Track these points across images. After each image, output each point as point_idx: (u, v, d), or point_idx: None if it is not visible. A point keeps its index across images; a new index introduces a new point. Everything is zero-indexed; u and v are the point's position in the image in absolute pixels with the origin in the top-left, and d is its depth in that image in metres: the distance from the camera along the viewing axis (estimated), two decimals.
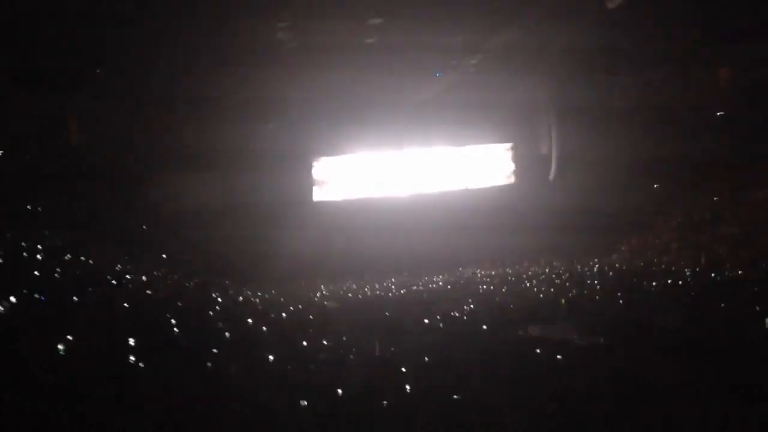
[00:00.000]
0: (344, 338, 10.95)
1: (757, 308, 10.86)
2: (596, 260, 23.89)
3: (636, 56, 23.40)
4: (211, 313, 10.46)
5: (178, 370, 6.52)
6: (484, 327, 12.48)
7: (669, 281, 16.81)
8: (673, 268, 19.51)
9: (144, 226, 19.83)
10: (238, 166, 25.77)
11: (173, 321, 8.22)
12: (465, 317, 13.80)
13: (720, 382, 6.65)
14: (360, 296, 20.15)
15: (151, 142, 23.24)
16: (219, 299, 12.78)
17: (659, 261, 21.84)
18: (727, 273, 16.74)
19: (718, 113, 25.18)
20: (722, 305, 12.06)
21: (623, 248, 25.98)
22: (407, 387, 7.39)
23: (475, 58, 25.04)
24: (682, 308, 12.86)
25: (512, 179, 31.30)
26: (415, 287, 21.34)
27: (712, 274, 16.97)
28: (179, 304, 10.38)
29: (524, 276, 21.45)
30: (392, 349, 10.19)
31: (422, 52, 22.78)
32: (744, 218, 21.88)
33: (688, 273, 18.06)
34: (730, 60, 24.59)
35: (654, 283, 16.73)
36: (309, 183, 29.22)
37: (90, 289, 9.00)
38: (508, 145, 31.35)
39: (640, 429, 5.70)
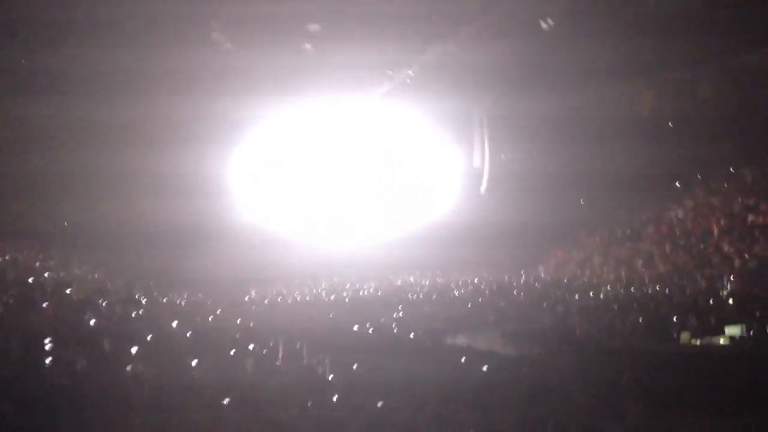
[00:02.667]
0: (271, 344, 10.78)
1: (674, 320, 11.34)
2: (523, 272, 24.45)
3: (567, 73, 24.10)
4: (133, 314, 10.12)
5: (97, 370, 6.30)
6: (412, 335, 12.59)
7: (591, 294, 17.37)
8: (595, 281, 20.17)
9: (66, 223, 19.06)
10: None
11: (93, 321, 7.92)
12: (394, 325, 13.86)
13: (636, 391, 6.91)
14: (289, 301, 19.92)
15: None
16: (142, 300, 12.39)
17: (582, 274, 22.55)
18: (645, 288, 17.42)
19: (643, 130, 26.14)
20: (640, 319, 12.55)
21: (549, 261, 26.69)
22: (333, 396, 7.32)
23: (410, 69, 25.27)
24: (603, 320, 13.33)
25: (445, 191, 31.63)
26: (344, 293, 21.28)
27: (631, 289, 17.62)
28: (101, 302, 10.01)
29: (453, 286, 21.73)
30: (320, 355, 10.12)
31: (359, 64, 22.91)
32: (663, 235, 22.82)
33: (609, 287, 18.71)
34: (655, 81, 25.65)
35: (577, 296, 17.25)
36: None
37: (7, 287, 8.59)
38: (442, 156, 31.70)
39: None
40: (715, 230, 19.97)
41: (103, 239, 20.56)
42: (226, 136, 26.89)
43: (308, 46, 22.47)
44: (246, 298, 19.96)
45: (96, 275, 15.14)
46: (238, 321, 13.52)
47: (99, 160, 24.07)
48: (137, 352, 7.20)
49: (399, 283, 23.59)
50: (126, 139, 24.03)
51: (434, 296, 19.39)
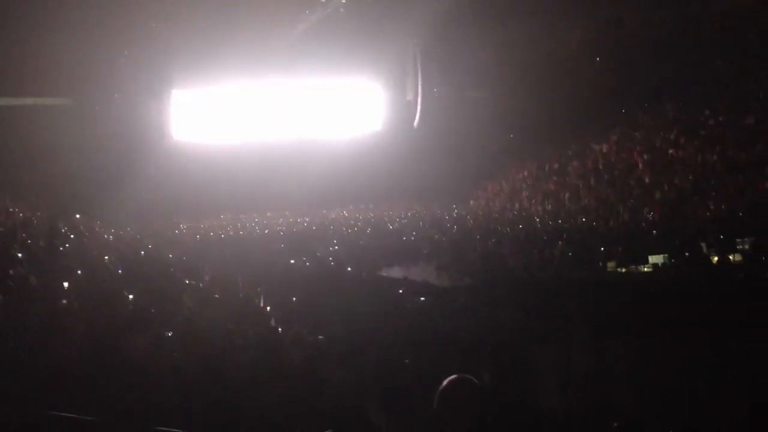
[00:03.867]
0: (207, 278, 10.66)
1: (602, 249, 11.80)
2: (455, 206, 24.86)
3: (499, 9, 24.00)
4: (61, 248, 9.74)
5: (24, 306, 6.08)
6: (349, 268, 12.69)
7: (520, 226, 17.88)
8: (524, 214, 20.75)
9: None
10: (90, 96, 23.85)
11: (19, 255, 7.59)
12: (330, 258, 13.92)
13: (566, 317, 7.22)
14: (222, 235, 19.67)
15: None
16: (70, 235, 11.91)
17: (512, 207, 23.13)
18: (572, 220, 18.04)
19: (570, 65, 26.53)
20: (568, 251, 13.04)
21: (480, 194, 27.21)
22: (272, 329, 7.34)
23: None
24: (533, 252, 13.77)
25: (378, 125, 31.46)
26: (279, 228, 21.16)
27: (559, 221, 18.23)
28: (24, 236, 9.58)
29: (387, 219, 21.92)
30: (257, 289, 10.09)
31: None
32: (588, 169, 23.53)
33: (537, 219, 19.30)
34: (583, 17, 25.90)
35: (507, 228, 17.74)
36: (167, 118, 27.53)
37: None
38: (375, 89, 31.37)
39: (496, 366, 6.03)
40: (638, 163, 20.70)
41: (23, 171, 19.59)
42: (155, 70, 25.80)
43: None
44: (176, 233, 19.57)
45: (17, 209, 14.41)
46: (171, 255, 13.28)
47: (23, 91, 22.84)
48: (69, 287, 6.97)
49: (333, 217, 23.60)
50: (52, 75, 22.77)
51: (369, 230, 19.53)
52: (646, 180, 19.03)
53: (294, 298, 8.92)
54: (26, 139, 21.57)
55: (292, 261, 12.73)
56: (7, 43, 20.50)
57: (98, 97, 24.97)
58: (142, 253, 12.77)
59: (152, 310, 6.53)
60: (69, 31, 21.30)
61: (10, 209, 13.65)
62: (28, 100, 23.86)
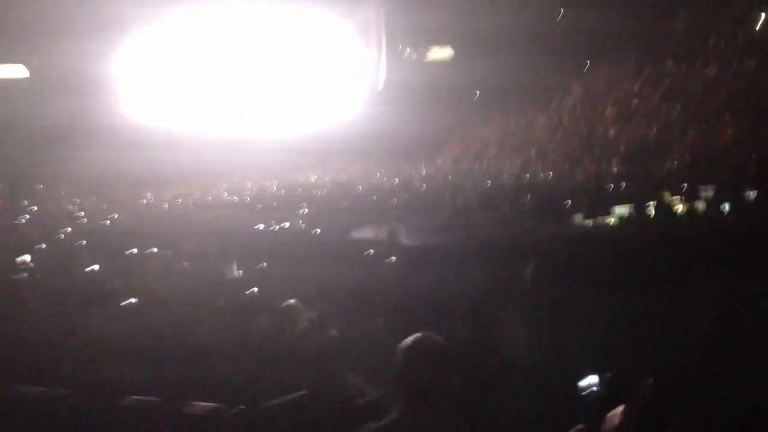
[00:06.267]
0: (174, 245, 10.51)
1: (568, 203, 11.90)
2: (423, 165, 24.84)
3: None
4: (23, 219, 9.51)
5: None
6: (317, 231, 12.60)
7: (488, 183, 17.96)
8: (491, 170, 20.83)
9: None
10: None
11: None
12: (300, 221, 13.82)
13: (534, 269, 7.28)
14: (190, 203, 19.37)
15: None
16: (32, 207, 11.63)
17: (480, 165, 23.20)
18: (537, 174, 18.19)
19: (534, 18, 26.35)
20: (534, 204, 13.14)
21: (447, 153, 27.22)
22: (243, 294, 7.29)
23: None
24: (501, 208, 13.86)
25: (343, 88, 31.08)
26: (246, 193, 20.93)
27: (526, 176, 18.35)
28: None
29: (356, 181, 21.82)
30: (226, 255, 9.97)
31: None
32: (554, 123, 23.67)
33: (504, 174, 19.39)
34: None
35: (475, 185, 17.78)
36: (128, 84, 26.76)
37: None
38: (340, 48, 30.92)
39: (465, 323, 6.08)
40: (603, 115, 20.87)
41: None
42: (114, 33, 25.00)
43: None
44: (143, 202, 19.23)
45: None
46: (136, 223, 13.07)
47: None
48: (31, 259, 6.81)
49: (301, 182, 23.43)
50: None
51: (337, 191, 19.43)
52: (611, 132, 19.21)
53: (263, 263, 8.82)
54: None
55: (261, 225, 12.58)
56: None
57: (54, 65, 24.23)
58: (107, 222, 12.53)
59: (116, 280, 6.43)
60: None
61: None
62: None
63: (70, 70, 23.90)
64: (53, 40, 23.01)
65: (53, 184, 18.68)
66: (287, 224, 13.66)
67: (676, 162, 14.59)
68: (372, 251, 10.12)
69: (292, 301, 6.91)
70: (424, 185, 19.24)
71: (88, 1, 22.54)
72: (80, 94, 23.32)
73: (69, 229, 10.11)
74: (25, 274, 6.12)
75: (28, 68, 24.37)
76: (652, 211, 10.16)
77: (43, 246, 7.94)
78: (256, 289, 6.96)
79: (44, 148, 21.00)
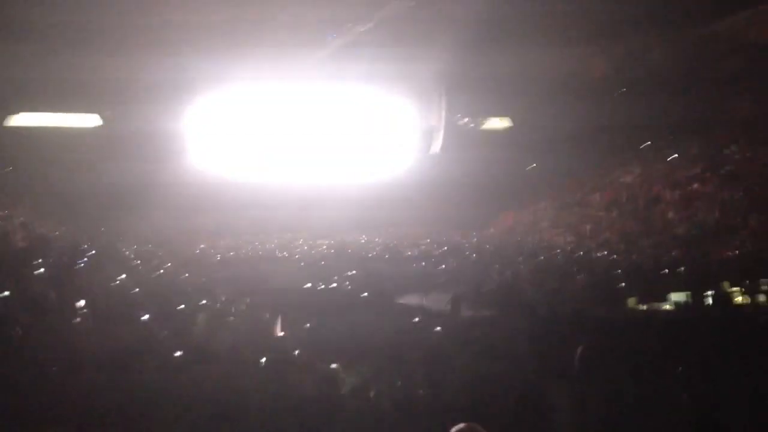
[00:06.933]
0: (223, 299, 10.66)
1: (623, 285, 11.62)
2: (474, 233, 24.72)
3: (524, 33, 24.02)
4: (82, 264, 9.81)
5: (42, 322, 6.11)
6: (365, 294, 12.58)
7: (540, 258, 17.68)
8: (544, 245, 20.55)
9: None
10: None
11: (41, 270, 7.65)
12: (347, 283, 13.84)
13: (585, 355, 7.07)
14: (240, 257, 19.72)
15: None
16: (91, 251, 12.01)
17: (531, 238, 22.94)
18: (592, 253, 17.83)
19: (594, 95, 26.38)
20: (587, 284, 12.84)
21: (499, 223, 27.04)
22: (286, 354, 7.29)
23: (367, 24, 24.76)
24: (552, 285, 13.58)
25: (399, 150, 31.50)
26: (296, 251, 21.17)
27: (580, 253, 18.01)
28: (46, 252, 9.67)
29: (405, 245, 21.85)
30: (272, 313, 10.03)
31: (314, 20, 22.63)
32: (610, 201, 23.34)
33: (557, 251, 19.08)
34: (608, 45, 25.86)
35: (526, 260, 17.54)
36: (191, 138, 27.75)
37: None
38: (398, 114, 31.47)
39: (504, 402, 5.93)
40: (661, 198, 20.50)
41: (50, 188, 19.88)
42: (179, 93, 26.16)
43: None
44: (197, 252, 19.66)
45: (41, 224, 14.61)
46: (188, 275, 13.32)
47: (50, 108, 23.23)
48: (85, 305, 7.00)
49: (351, 242, 23.58)
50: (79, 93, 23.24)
51: (387, 256, 19.46)
52: (669, 215, 18.82)
53: (308, 324, 8.84)
54: (51, 156, 21.92)
55: (309, 284, 12.66)
56: (34, 61, 20.95)
57: (125, 115, 25.35)
58: (160, 272, 12.82)
59: (165, 332, 6.53)
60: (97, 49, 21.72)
61: (34, 225, 13.83)
62: (55, 117, 24.32)
63: (143, 122, 24.98)
64: (128, 95, 24.20)
65: (113, 231, 19.31)
66: (335, 284, 13.71)
67: (737, 251, 14.12)
68: (417, 318, 10.04)
69: (334, 365, 6.90)
70: (474, 254, 19.12)
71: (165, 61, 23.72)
72: (146, 144, 24.38)
73: (124, 276, 10.37)
74: (78, 320, 6.27)
75: (102, 118, 25.58)
76: (710, 301, 9.79)
77: (100, 293, 8.15)
78: (298, 351, 6.97)
79: (108, 195, 21.82)
